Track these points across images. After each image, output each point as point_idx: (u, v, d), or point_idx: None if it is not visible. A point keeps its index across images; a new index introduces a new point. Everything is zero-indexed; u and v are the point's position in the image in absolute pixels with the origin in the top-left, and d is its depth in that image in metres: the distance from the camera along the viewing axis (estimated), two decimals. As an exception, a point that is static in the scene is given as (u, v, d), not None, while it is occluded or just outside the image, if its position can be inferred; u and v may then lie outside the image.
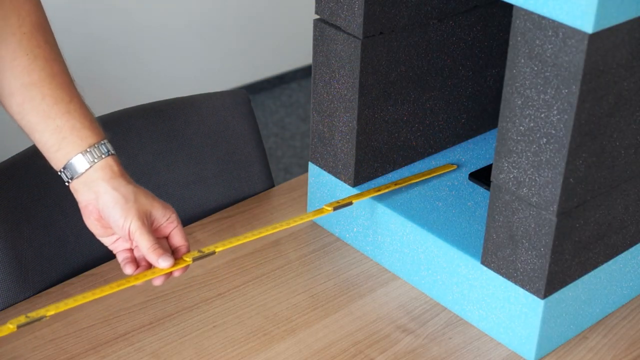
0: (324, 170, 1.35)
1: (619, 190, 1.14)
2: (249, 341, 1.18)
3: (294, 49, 3.51)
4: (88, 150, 1.08)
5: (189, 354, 1.16)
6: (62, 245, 1.31)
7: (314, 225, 1.38)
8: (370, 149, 1.31)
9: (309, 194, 1.38)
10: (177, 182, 1.43)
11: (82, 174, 1.08)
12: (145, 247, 1.08)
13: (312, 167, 1.37)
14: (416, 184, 1.32)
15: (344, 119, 1.28)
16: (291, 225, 1.22)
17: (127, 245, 1.11)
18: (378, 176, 1.34)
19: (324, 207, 1.27)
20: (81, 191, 1.09)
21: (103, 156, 1.09)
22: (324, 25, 1.26)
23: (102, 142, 1.09)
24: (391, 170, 1.35)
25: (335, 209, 1.27)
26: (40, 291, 1.26)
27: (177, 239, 1.12)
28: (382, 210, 1.28)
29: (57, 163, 1.10)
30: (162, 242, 1.11)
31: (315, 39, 1.28)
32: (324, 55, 1.27)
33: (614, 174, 1.12)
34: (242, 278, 1.28)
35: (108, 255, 1.32)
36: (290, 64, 3.56)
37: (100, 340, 1.17)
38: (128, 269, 1.10)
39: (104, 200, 1.08)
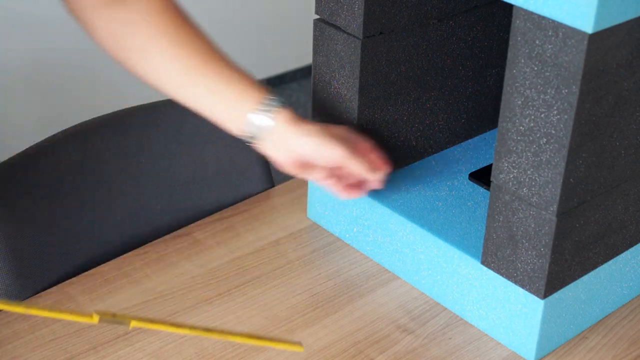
0: (324, 170, 1.35)
1: (619, 190, 1.14)
2: (249, 341, 1.18)
3: (294, 49, 3.50)
4: (260, 108, 1.15)
5: (189, 354, 1.16)
6: (62, 245, 1.31)
7: (314, 225, 1.38)
8: (370, 149, 1.30)
9: (308, 194, 1.38)
10: (177, 182, 1.43)
11: (266, 130, 1.16)
12: (360, 168, 1.17)
13: (312, 167, 1.37)
14: (417, 184, 1.32)
15: (344, 119, 1.28)
16: None
17: (327, 173, 1.19)
18: (378, 176, 1.34)
19: (93, 313, 0.88)
20: (272, 148, 1.17)
21: (279, 109, 1.17)
22: (324, 25, 1.26)
23: (271, 97, 1.17)
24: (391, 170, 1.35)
25: (100, 320, 0.88)
26: (40, 291, 1.26)
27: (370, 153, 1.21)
28: (382, 210, 1.28)
29: (235, 131, 1.17)
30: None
31: (315, 39, 1.27)
32: (324, 55, 1.27)
33: (614, 174, 1.12)
34: (242, 278, 1.28)
35: (108, 255, 1.33)
36: (290, 64, 3.56)
37: (100, 340, 1.17)
38: (346, 194, 1.20)
39: (299, 144, 1.17)
